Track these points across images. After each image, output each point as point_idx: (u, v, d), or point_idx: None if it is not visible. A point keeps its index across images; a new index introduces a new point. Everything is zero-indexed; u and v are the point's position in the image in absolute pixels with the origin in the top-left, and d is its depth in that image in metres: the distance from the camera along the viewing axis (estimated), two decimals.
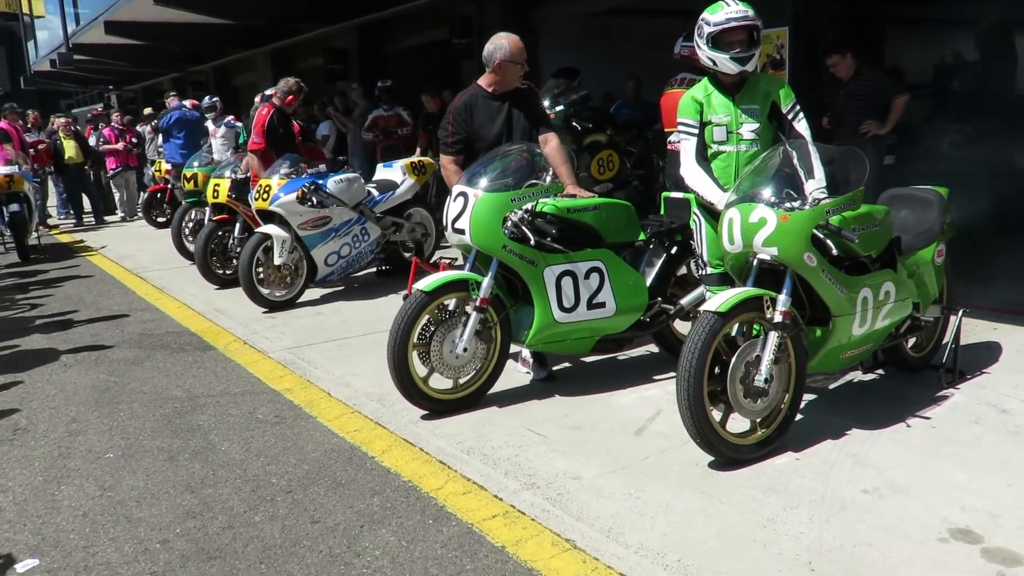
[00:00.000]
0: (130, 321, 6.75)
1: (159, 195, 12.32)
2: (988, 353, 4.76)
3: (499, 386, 4.49)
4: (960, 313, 4.39)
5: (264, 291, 6.75)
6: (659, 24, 10.19)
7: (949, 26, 12.75)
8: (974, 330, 5.11)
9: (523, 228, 4.15)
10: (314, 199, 6.62)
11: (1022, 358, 4.65)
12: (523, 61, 4.71)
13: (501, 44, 4.65)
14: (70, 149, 13.20)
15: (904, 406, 4.03)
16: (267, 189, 6.71)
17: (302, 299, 6.95)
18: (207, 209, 8.27)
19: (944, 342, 4.44)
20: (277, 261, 6.68)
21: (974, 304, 5.39)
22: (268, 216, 6.80)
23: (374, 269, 7.81)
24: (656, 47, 7.01)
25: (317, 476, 3.65)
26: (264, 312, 6.68)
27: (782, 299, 3.51)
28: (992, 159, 7.84)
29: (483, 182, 4.28)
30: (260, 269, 6.73)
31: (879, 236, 3.81)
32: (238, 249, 7.42)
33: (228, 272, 7.68)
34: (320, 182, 6.75)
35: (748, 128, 4.04)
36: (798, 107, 4.06)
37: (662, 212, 4.92)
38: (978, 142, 7.99)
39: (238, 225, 7.66)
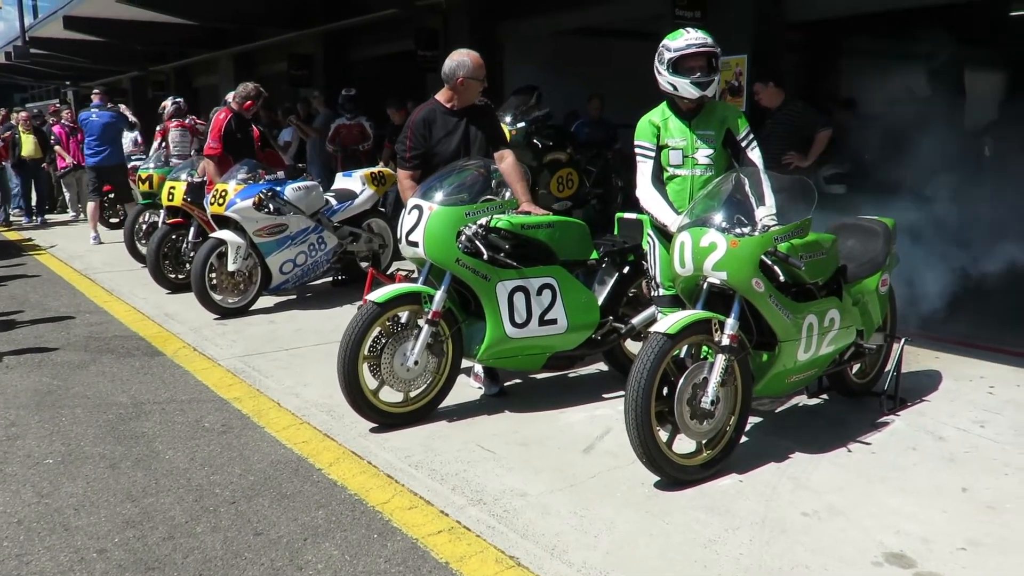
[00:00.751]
0: (76, 323, 6.62)
1: (112, 195, 12.11)
2: (928, 381, 4.88)
3: (450, 400, 4.49)
4: (902, 341, 4.50)
5: (216, 297, 6.67)
6: (623, 45, 10.34)
7: (904, 60, 13.11)
8: (916, 358, 5.24)
9: (477, 243, 4.17)
10: (271, 206, 6.57)
11: (960, 387, 4.79)
12: (483, 78, 4.74)
13: (463, 61, 4.68)
14: (28, 144, 12.92)
15: (846, 431, 4.12)
16: (223, 194, 6.64)
17: (255, 307, 6.88)
18: (162, 211, 8.15)
19: (886, 369, 4.55)
20: (231, 267, 6.61)
21: (917, 333, 5.54)
22: (223, 221, 6.73)
23: (330, 279, 7.76)
24: (620, 68, 7.11)
25: (262, 487, 3.61)
26: (216, 319, 6.59)
27: (730, 323, 3.57)
28: (940, 190, 8.07)
29: (438, 196, 4.30)
30: (213, 275, 6.66)
31: (826, 264, 3.90)
32: (191, 253, 7.32)
33: (180, 276, 7.57)
34: (278, 189, 6.70)
35: (703, 153, 4.11)
36: (752, 135, 4.16)
37: (616, 232, 4.98)
38: (928, 173, 8.22)
39: (192, 229, 7.56)
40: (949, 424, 4.22)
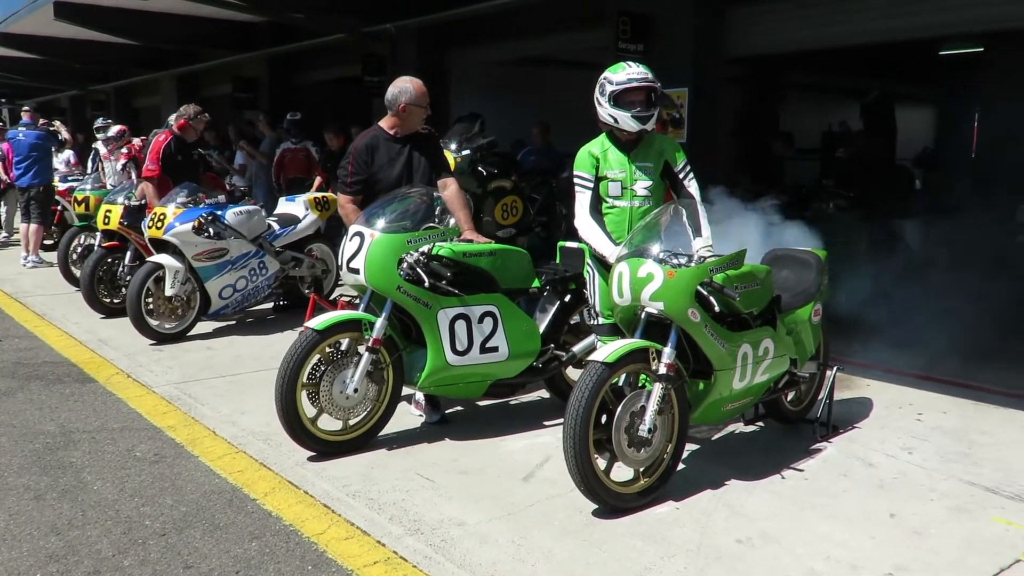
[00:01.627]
0: (3, 349, 6.40)
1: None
2: (860, 408, 5.01)
3: (390, 428, 4.46)
4: (834, 370, 4.62)
5: (153, 322, 6.53)
6: (569, 75, 10.48)
7: (841, 95, 13.56)
8: (848, 386, 5.38)
9: (418, 270, 4.17)
10: (211, 230, 6.48)
11: (890, 414, 4.92)
12: (426, 105, 4.77)
13: (406, 88, 4.71)
14: None
15: (780, 457, 4.20)
16: (162, 217, 6.52)
17: (193, 332, 6.75)
18: (97, 234, 7.97)
19: (820, 397, 4.66)
20: (168, 292, 6.48)
21: (850, 361, 5.69)
22: (161, 245, 6.61)
23: (271, 304, 7.67)
24: (566, 96, 7.21)
25: (194, 518, 3.53)
26: (152, 344, 6.45)
27: (667, 352, 3.63)
28: (873, 223, 8.34)
29: (380, 223, 4.29)
30: (150, 299, 6.52)
31: (760, 294, 3.99)
32: (128, 277, 7.16)
33: (116, 301, 7.40)
34: (218, 213, 6.62)
35: (642, 185, 4.19)
36: (689, 168, 4.25)
37: (558, 260, 5.02)
38: (861, 206, 8.48)
39: (129, 253, 7.40)
40: (879, 451, 4.33)
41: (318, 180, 9.18)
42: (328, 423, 4.24)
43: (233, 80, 14.22)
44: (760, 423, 4.72)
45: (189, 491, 3.81)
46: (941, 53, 11.47)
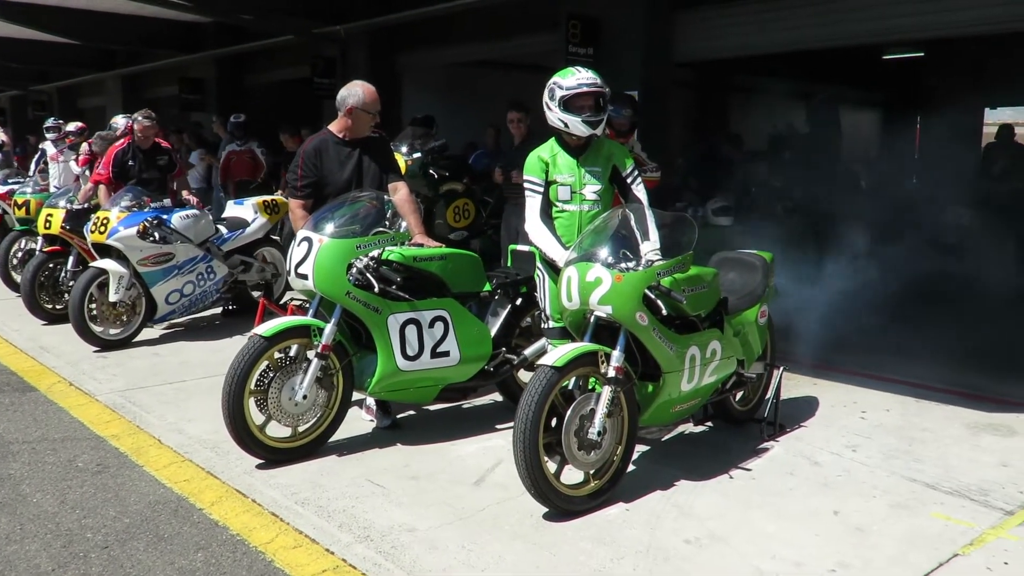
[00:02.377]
0: None
1: None
2: (807, 407, 5.10)
3: (341, 434, 4.42)
4: (781, 370, 4.70)
5: (97, 329, 6.38)
6: (521, 77, 10.51)
7: (789, 98, 13.79)
8: (796, 385, 5.48)
9: (368, 275, 4.14)
10: (156, 234, 6.36)
11: (835, 412, 5.02)
12: (375, 112, 4.72)
13: (355, 91, 4.68)
14: None
15: (729, 457, 4.26)
16: (105, 222, 6.38)
17: (139, 338, 6.62)
18: (39, 239, 7.76)
19: (767, 397, 4.73)
20: (113, 298, 6.34)
21: (797, 360, 5.79)
22: (105, 250, 6.47)
23: (220, 309, 7.55)
24: (518, 99, 7.22)
25: (138, 530, 3.46)
26: (95, 351, 6.31)
27: (615, 355, 3.65)
28: (819, 223, 8.51)
29: (329, 228, 4.26)
30: (93, 305, 6.37)
31: (707, 297, 4.04)
32: (70, 283, 6.99)
33: (58, 307, 7.22)
34: (164, 217, 6.50)
35: (591, 189, 4.21)
36: (637, 172, 4.29)
37: (509, 263, 5.03)
38: (807, 207, 8.65)
39: (72, 258, 7.23)
40: (824, 449, 4.42)
41: (283, 180, 9.05)
42: (277, 430, 4.18)
43: (180, 81, 13.98)
44: (709, 423, 4.77)
45: (133, 502, 3.73)
46: (884, 58, 11.75)
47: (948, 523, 3.56)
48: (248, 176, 9.79)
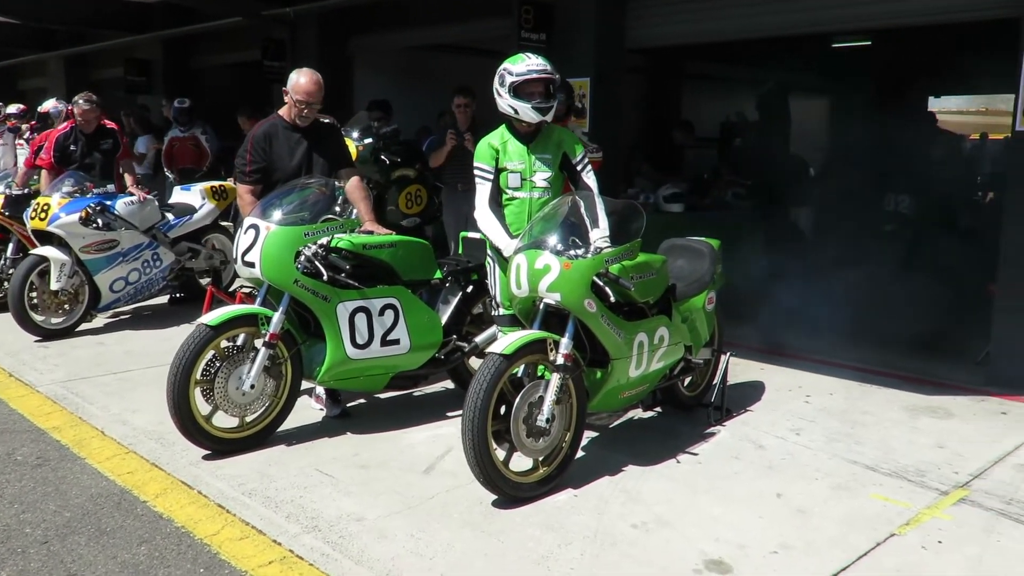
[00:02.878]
0: None
1: None
2: (753, 392, 5.19)
3: (290, 423, 4.38)
4: (727, 355, 4.76)
5: (38, 318, 6.22)
6: (474, 62, 10.45)
7: (739, 85, 13.92)
8: (745, 370, 5.56)
9: (316, 263, 4.09)
10: (99, 221, 6.22)
11: (780, 396, 5.11)
12: (315, 101, 4.62)
13: (292, 77, 4.62)
14: None
15: (676, 442, 4.31)
16: (45, 208, 6.22)
17: (83, 328, 6.47)
18: None
19: (714, 382, 4.80)
20: (54, 286, 6.19)
21: (744, 345, 5.88)
22: (46, 237, 6.30)
23: (167, 297, 7.41)
24: (471, 84, 7.18)
25: (79, 524, 3.40)
26: (36, 341, 6.16)
27: (564, 342, 3.67)
28: (767, 210, 8.63)
29: (277, 215, 4.20)
30: (34, 294, 6.21)
31: (656, 284, 4.08)
32: (10, 271, 6.80)
33: None
34: (107, 203, 6.35)
35: (541, 176, 4.22)
36: (587, 159, 4.30)
37: (460, 251, 5.02)
38: (755, 194, 8.77)
39: (11, 245, 7.03)
40: (769, 433, 4.50)
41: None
42: (224, 420, 4.13)
43: (126, 63, 13.62)
44: (658, 409, 4.83)
45: (74, 495, 3.66)
46: (833, 46, 11.90)
47: (886, 504, 3.66)
48: (192, 164, 9.56)
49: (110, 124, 7.35)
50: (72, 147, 6.96)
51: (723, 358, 4.75)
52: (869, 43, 11.49)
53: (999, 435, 4.51)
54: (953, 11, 5.91)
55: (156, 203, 6.91)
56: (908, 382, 5.38)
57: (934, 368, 5.66)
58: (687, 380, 4.73)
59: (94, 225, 6.20)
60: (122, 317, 7.00)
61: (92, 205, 6.21)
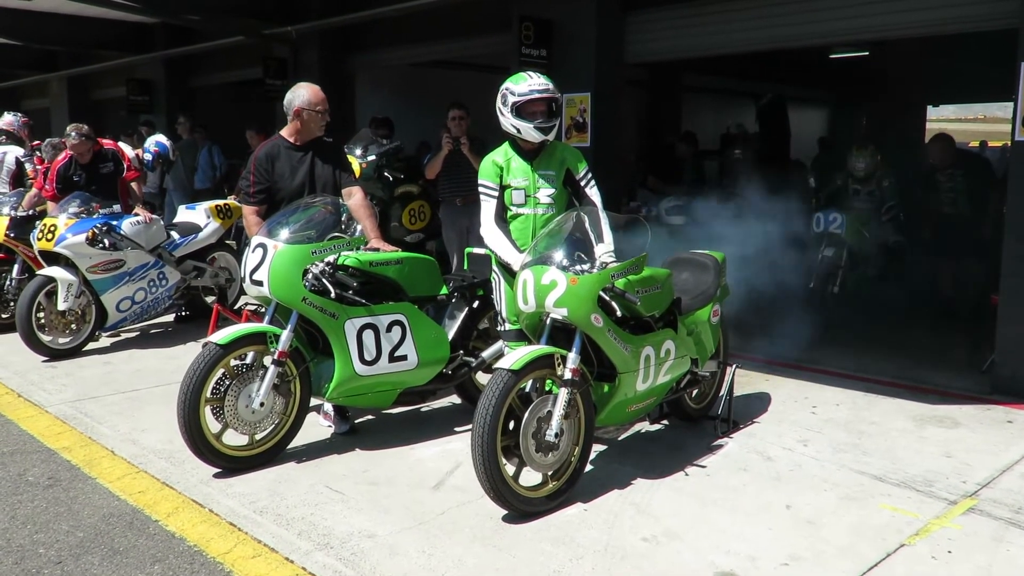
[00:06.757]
0: None
1: None
2: (759, 403, 5.21)
3: (299, 440, 4.40)
4: (734, 367, 4.79)
5: (45, 338, 6.25)
6: (474, 78, 10.52)
7: (738, 98, 14.00)
8: (750, 381, 5.58)
9: (324, 281, 4.13)
10: (106, 241, 6.25)
11: (787, 407, 5.13)
12: (323, 110, 4.72)
13: (299, 93, 4.70)
14: None
15: (684, 455, 4.33)
16: (52, 229, 6.26)
17: (90, 347, 6.50)
18: None
19: (720, 394, 4.82)
20: (61, 306, 6.22)
21: (749, 357, 5.90)
22: (53, 257, 6.34)
23: (173, 315, 7.44)
24: (473, 99, 7.24)
25: (92, 544, 3.41)
26: (44, 361, 6.18)
27: (571, 357, 3.69)
28: (771, 223, 8.64)
29: (284, 233, 4.23)
30: (41, 314, 6.25)
31: (661, 298, 4.11)
32: (16, 293, 6.83)
33: (4, 316, 7.05)
34: (114, 223, 6.39)
35: (545, 193, 4.26)
36: (591, 175, 4.34)
37: (465, 267, 5.05)
38: (758, 207, 8.79)
39: (17, 266, 7.07)
40: (776, 444, 4.52)
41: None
42: (234, 438, 4.15)
43: (127, 83, 13.71)
44: (664, 422, 4.85)
45: (86, 515, 3.68)
46: (831, 57, 11.98)
47: (895, 514, 3.67)
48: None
49: (109, 144, 7.38)
50: (76, 177, 6.97)
51: (729, 370, 4.77)
52: (866, 54, 11.57)
53: (1006, 444, 4.53)
54: (950, 23, 5.97)
55: (161, 223, 6.95)
56: (914, 392, 5.40)
57: (939, 378, 5.68)
58: (694, 392, 4.75)
59: (101, 245, 6.24)
60: (129, 336, 7.03)
61: (99, 225, 6.25)
